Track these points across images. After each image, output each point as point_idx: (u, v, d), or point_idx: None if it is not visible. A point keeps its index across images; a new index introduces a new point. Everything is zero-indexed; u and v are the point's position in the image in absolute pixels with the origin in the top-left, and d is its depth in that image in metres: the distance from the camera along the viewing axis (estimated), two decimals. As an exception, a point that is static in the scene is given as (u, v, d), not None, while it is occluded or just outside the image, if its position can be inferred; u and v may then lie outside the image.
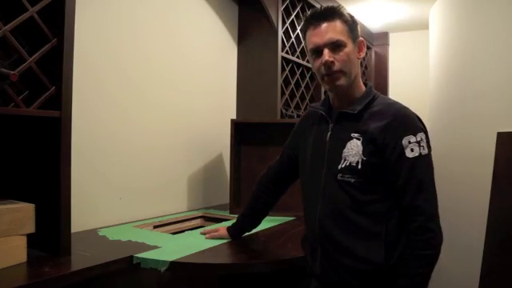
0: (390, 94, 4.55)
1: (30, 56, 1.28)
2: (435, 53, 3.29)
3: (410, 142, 1.13)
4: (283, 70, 2.80)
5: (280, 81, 2.72)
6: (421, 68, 4.26)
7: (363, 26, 4.18)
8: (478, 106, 2.26)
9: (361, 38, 1.25)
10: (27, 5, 1.27)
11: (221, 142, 2.61)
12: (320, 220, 1.23)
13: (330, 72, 1.19)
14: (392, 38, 4.59)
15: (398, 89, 4.52)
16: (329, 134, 1.25)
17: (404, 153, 1.13)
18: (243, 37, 2.84)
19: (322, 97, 3.27)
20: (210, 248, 1.56)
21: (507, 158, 1.83)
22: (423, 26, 3.98)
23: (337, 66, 1.18)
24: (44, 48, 1.32)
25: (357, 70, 1.24)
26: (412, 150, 1.13)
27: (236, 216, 2.20)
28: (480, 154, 2.11)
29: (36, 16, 1.29)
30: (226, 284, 1.83)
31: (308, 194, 1.31)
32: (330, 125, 1.26)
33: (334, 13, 1.20)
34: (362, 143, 1.17)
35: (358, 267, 1.16)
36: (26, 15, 1.26)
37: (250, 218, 1.65)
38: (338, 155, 1.20)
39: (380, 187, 1.17)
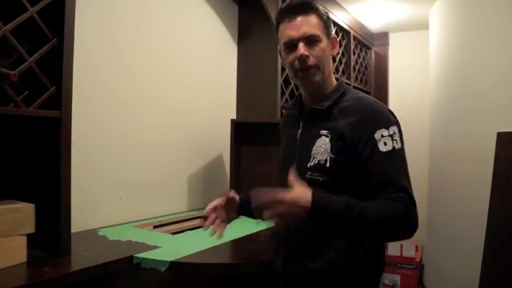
0: (390, 94, 4.55)
1: (30, 56, 1.28)
2: (435, 52, 3.29)
3: (382, 136, 1.08)
4: (283, 69, 2.80)
5: (280, 81, 2.72)
6: (421, 68, 4.26)
7: (363, 26, 4.18)
8: (477, 105, 2.26)
9: (334, 35, 1.23)
10: (27, 5, 1.27)
11: (221, 142, 2.61)
12: None
13: (305, 67, 1.15)
14: (392, 38, 4.59)
15: (398, 89, 4.53)
16: (299, 131, 1.23)
17: (377, 147, 1.07)
18: (243, 37, 2.84)
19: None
20: (210, 248, 1.57)
21: (507, 157, 1.83)
22: (423, 25, 3.99)
23: (312, 61, 1.15)
24: (44, 48, 1.32)
25: (330, 67, 1.21)
26: (385, 144, 1.08)
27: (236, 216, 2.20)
28: (480, 153, 2.12)
29: (36, 16, 1.29)
30: (226, 284, 1.83)
31: None
32: (301, 123, 1.24)
33: (309, 7, 1.17)
34: (331, 140, 1.13)
35: (318, 266, 1.14)
36: (25, 15, 1.26)
37: None
38: (307, 153, 1.16)
39: (349, 187, 1.11)
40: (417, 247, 3.72)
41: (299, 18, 1.15)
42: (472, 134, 2.29)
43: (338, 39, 1.23)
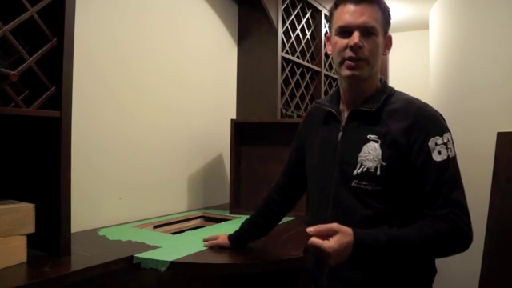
0: (390, 94, 4.55)
1: (30, 56, 1.28)
2: (435, 52, 3.30)
3: (436, 144, 1.02)
4: (283, 69, 2.80)
5: (280, 81, 2.72)
6: (421, 68, 4.26)
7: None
8: (477, 105, 2.26)
9: (390, 34, 1.14)
10: (27, 5, 1.27)
11: (221, 142, 2.61)
12: None
13: (356, 57, 1.07)
14: (392, 37, 4.59)
15: (397, 89, 4.51)
16: (340, 134, 1.13)
17: (431, 156, 1.02)
18: (243, 37, 2.84)
19: (322, 96, 3.27)
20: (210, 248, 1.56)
21: (507, 157, 1.83)
22: (423, 25, 3.99)
23: (364, 54, 1.06)
24: (44, 48, 1.32)
25: (379, 66, 1.13)
26: (440, 153, 1.02)
27: (236, 216, 2.21)
28: (480, 153, 2.11)
29: (36, 16, 1.29)
30: (226, 284, 1.83)
31: (316, 201, 1.19)
32: (342, 124, 1.14)
33: None
34: (381, 146, 1.04)
35: (358, 278, 1.07)
36: (26, 15, 1.26)
37: (257, 225, 1.48)
38: (352, 159, 1.08)
39: (400, 196, 1.05)
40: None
41: (362, 6, 1.07)
42: (472, 134, 2.29)
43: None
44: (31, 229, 1.30)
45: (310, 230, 0.99)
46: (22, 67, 1.25)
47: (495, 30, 2.08)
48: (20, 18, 1.25)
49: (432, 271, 1.14)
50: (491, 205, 1.88)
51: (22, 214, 1.27)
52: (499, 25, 2.03)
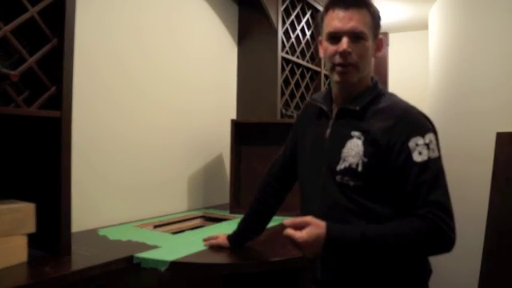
0: (390, 94, 4.56)
1: (31, 56, 1.28)
2: (435, 53, 3.30)
3: (417, 145, 1.03)
4: (283, 70, 2.80)
5: (280, 81, 2.73)
6: (420, 68, 4.27)
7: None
8: (477, 105, 2.27)
9: (381, 36, 1.16)
10: (28, 5, 1.27)
11: (221, 142, 2.61)
12: None
13: (345, 63, 1.10)
14: (392, 38, 4.60)
15: (397, 89, 4.50)
16: (328, 130, 1.17)
17: (411, 156, 1.03)
18: (243, 37, 2.84)
19: (322, 97, 3.26)
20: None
21: (507, 157, 1.83)
22: (423, 26, 3.99)
23: (353, 59, 1.09)
24: (44, 48, 1.32)
25: (370, 68, 1.15)
26: (420, 153, 1.03)
27: (236, 216, 2.21)
28: (480, 153, 2.12)
29: (36, 16, 1.29)
30: (226, 284, 1.83)
31: (306, 194, 1.24)
32: (330, 121, 1.17)
33: (363, 1, 1.11)
34: (364, 143, 1.07)
35: (358, 274, 1.09)
36: (26, 15, 1.26)
37: (253, 222, 1.51)
38: (336, 155, 1.11)
39: (383, 192, 1.07)
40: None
41: (350, 11, 1.09)
42: (472, 134, 2.29)
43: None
44: (32, 228, 1.30)
45: (286, 222, 1.05)
46: (22, 67, 1.26)
47: (495, 30, 2.09)
48: (21, 18, 1.25)
49: (426, 271, 1.15)
50: (491, 205, 1.88)
51: (23, 214, 1.28)
52: (499, 25, 2.04)
